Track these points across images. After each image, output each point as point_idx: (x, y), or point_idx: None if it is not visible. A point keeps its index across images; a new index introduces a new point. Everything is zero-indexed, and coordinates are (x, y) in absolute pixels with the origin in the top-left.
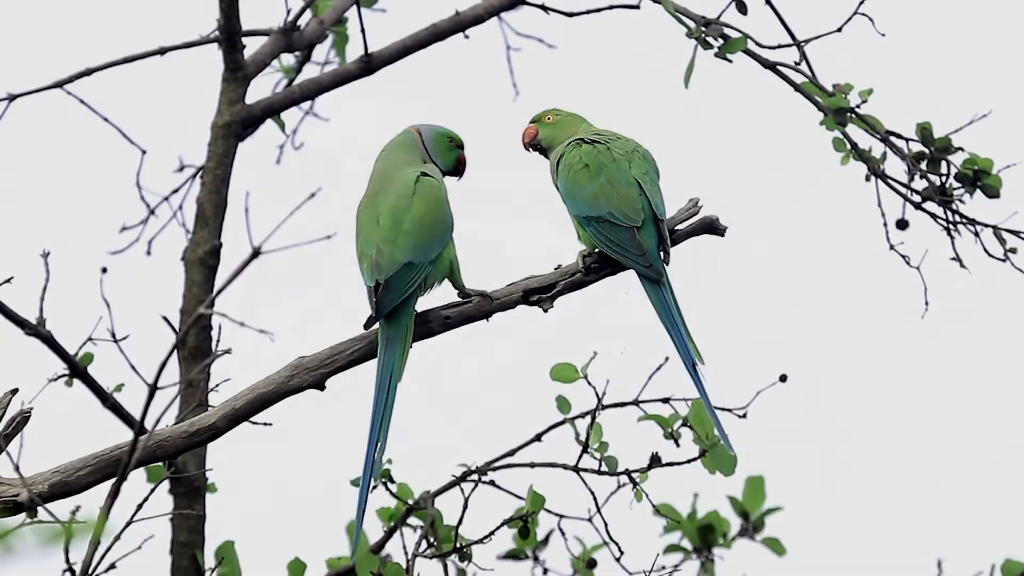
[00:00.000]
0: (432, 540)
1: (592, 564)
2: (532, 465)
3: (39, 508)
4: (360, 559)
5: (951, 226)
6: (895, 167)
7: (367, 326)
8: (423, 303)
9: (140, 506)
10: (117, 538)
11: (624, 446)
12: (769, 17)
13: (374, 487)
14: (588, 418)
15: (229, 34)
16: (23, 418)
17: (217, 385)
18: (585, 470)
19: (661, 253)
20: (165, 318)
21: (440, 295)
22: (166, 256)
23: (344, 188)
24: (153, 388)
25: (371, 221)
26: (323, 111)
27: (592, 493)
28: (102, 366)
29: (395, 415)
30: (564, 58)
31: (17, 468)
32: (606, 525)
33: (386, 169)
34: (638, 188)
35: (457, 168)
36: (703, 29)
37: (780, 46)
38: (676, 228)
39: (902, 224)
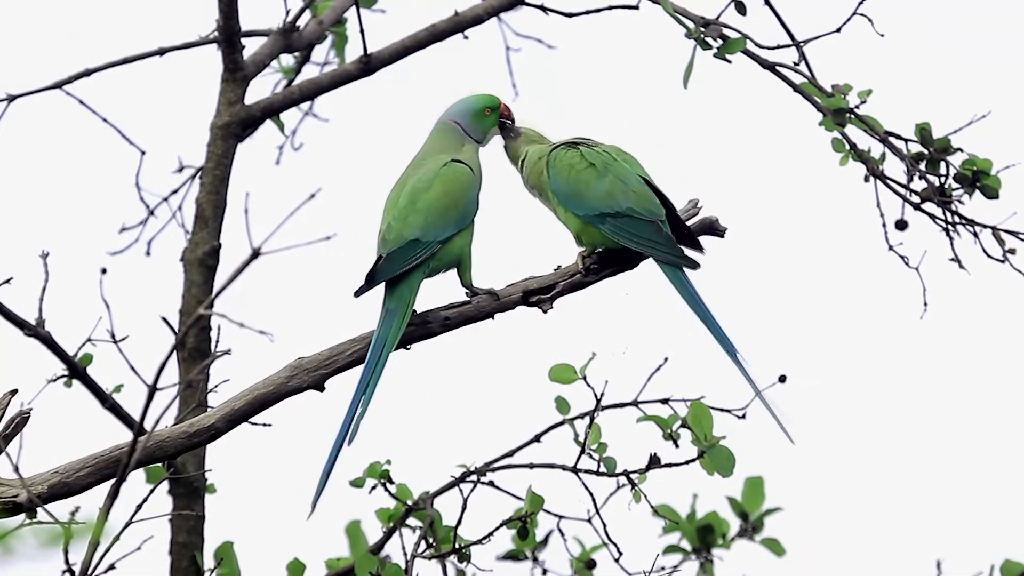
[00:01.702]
0: (431, 541)
1: (591, 565)
2: (531, 466)
3: (38, 509)
4: (359, 560)
5: (950, 227)
6: (894, 168)
7: (357, 294)
8: (427, 302)
9: (139, 507)
10: (116, 539)
11: (623, 447)
12: (768, 18)
13: (367, 478)
14: (587, 419)
15: (228, 35)
16: (22, 419)
17: (216, 386)
18: (584, 471)
19: (689, 244)
20: (164, 319)
21: (440, 296)
22: (165, 257)
23: (343, 189)
24: (152, 389)
25: (393, 201)
26: (322, 112)
27: (591, 494)
28: (101, 367)
29: (396, 418)
30: (563, 59)
31: (16, 469)
32: (605, 526)
33: (422, 155)
34: (647, 185)
35: (503, 126)
36: (702, 29)
37: (779, 47)
38: (685, 226)
39: (901, 225)
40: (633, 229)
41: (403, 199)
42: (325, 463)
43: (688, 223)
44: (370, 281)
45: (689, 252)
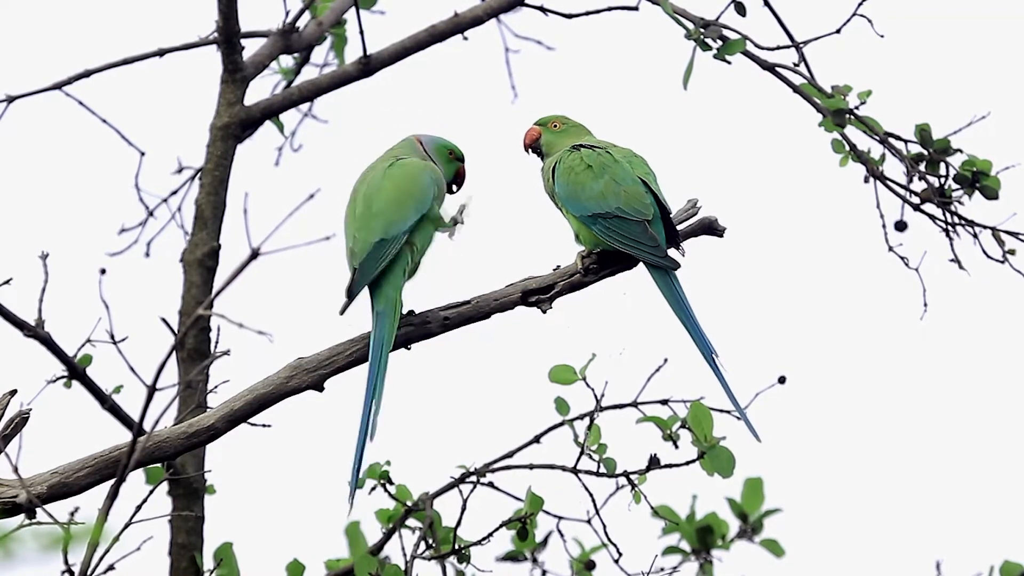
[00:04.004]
0: (431, 541)
1: (591, 566)
2: (531, 467)
3: (38, 509)
4: (358, 560)
5: (950, 227)
6: (894, 168)
7: (342, 312)
8: (427, 303)
9: (139, 507)
10: (116, 539)
11: (622, 448)
12: (768, 19)
13: (367, 479)
14: (587, 420)
15: (228, 36)
16: (22, 419)
17: (216, 386)
18: (584, 472)
19: (673, 247)
20: (164, 319)
21: (440, 296)
22: (165, 258)
23: (343, 190)
24: (152, 389)
25: (351, 213)
26: (322, 113)
27: (591, 495)
28: (101, 367)
29: (396, 418)
30: (563, 60)
31: (16, 469)
32: (604, 527)
33: (371, 165)
34: (643, 186)
35: (455, 179)
36: (702, 31)
37: (779, 47)
38: (675, 228)
39: (901, 226)
40: (621, 229)
41: (360, 207)
42: (353, 463)
43: (686, 223)
44: (350, 296)
45: (673, 253)
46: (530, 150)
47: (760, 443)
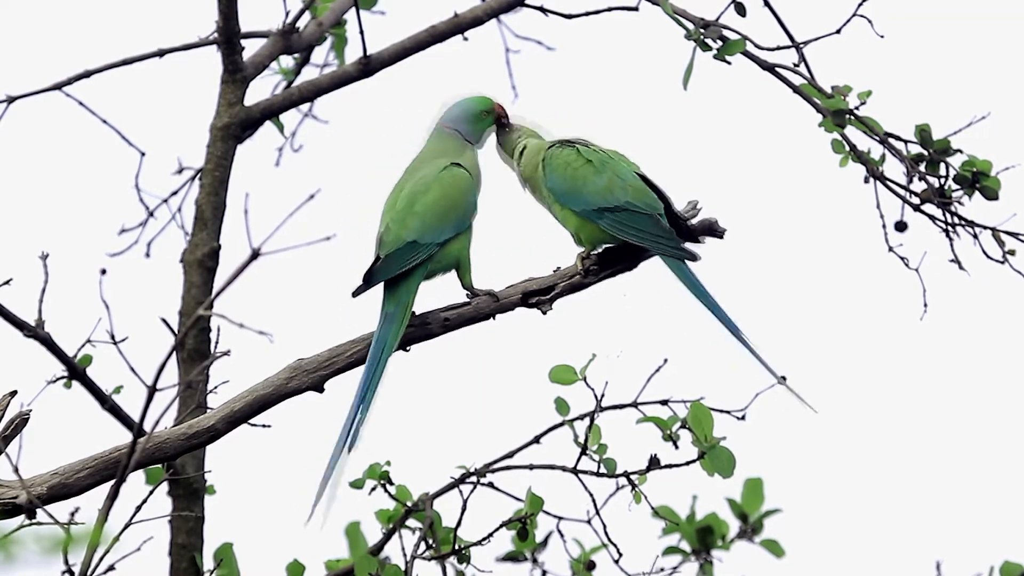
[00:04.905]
0: (431, 542)
1: (591, 566)
2: (531, 467)
3: (38, 510)
4: (358, 561)
5: (950, 228)
6: (894, 169)
7: (355, 294)
8: (426, 303)
9: (139, 508)
10: (116, 540)
11: (623, 448)
12: (768, 19)
13: (366, 479)
14: (587, 420)
15: (228, 36)
16: (22, 420)
17: (216, 387)
18: (584, 472)
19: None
20: (164, 320)
21: (439, 297)
22: (165, 258)
23: (343, 190)
24: (152, 390)
25: (391, 202)
26: (322, 113)
27: (591, 495)
28: (101, 368)
29: (396, 418)
30: (563, 60)
31: (16, 470)
32: (605, 527)
33: (420, 158)
34: (643, 182)
35: (499, 125)
36: (702, 31)
37: (779, 48)
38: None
39: (901, 226)
40: (632, 223)
41: (401, 201)
42: (325, 470)
43: (687, 222)
44: (368, 281)
45: (689, 246)
46: (501, 119)
47: (816, 413)
